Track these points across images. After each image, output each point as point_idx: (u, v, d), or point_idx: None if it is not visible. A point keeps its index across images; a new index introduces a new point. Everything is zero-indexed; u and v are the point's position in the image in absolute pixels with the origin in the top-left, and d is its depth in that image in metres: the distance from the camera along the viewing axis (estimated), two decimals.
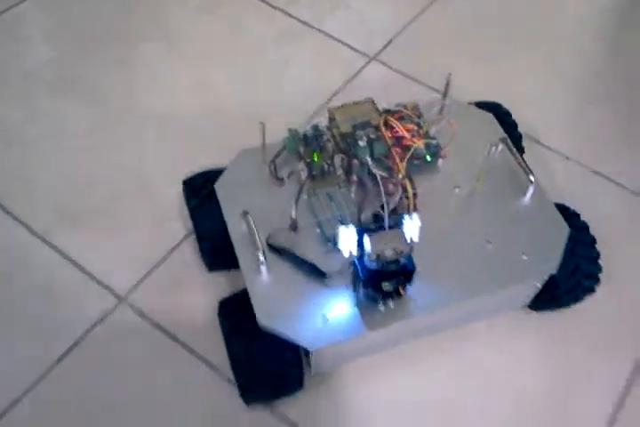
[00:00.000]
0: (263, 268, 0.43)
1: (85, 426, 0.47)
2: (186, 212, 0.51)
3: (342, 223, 0.41)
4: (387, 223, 0.39)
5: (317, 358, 0.44)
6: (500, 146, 0.49)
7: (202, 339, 0.49)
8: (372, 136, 0.44)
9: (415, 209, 0.43)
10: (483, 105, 0.53)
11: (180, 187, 0.51)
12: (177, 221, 0.55)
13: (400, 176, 0.44)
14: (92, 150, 0.60)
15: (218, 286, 0.52)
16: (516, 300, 0.49)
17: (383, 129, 0.45)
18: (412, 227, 0.39)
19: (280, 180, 0.46)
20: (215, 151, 0.53)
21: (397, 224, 0.39)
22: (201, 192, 0.48)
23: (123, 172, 0.58)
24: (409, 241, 0.39)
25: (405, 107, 0.48)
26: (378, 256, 0.38)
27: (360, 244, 0.39)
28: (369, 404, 0.48)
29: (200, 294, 0.51)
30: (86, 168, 0.59)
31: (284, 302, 0.43)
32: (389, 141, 0.44)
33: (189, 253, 0.53)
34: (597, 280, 0.48)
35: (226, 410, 0.47)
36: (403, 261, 0.39)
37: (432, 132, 0.48)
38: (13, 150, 0.60)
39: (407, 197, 0.43)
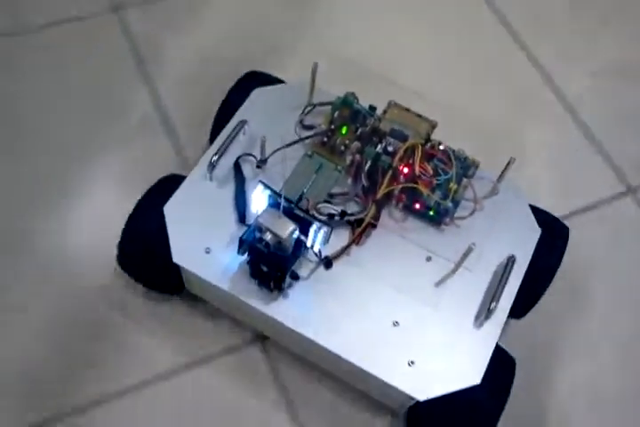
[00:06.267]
0: (210, 170, 0.43)
1: None
2: None
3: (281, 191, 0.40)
4: (283, 208, 0.37)
5: (185, 273, 0.44)
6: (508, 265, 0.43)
7: None
8: (390, 149, 0.41)
9: (359, 239, 0.41)
10: (541, 213, 0.47)
11: None
12: None
13: (378, 196, 0.41)
14: None
15: None
16: (387, 397, 0.44)
17: (403, 150, 0.41)
18: (314, 236, 0.38)
19: (301, 123, 0.45)
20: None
21: (305, 221, 0.37)
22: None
23: None
24: (298, 240, 0.37)
25: (466, 158, 0.44)
26: (260, 229, 0.37)
27: None
28: None
29: None
30: None
31: (196, 208, 0.43)
32: (396, 163, 0.41)
33: None
34: None
35: None
36: (277, 250, 0.37)
37: (460, 195, 0.43)
38: None
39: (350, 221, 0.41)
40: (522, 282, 0.43)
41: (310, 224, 0.37)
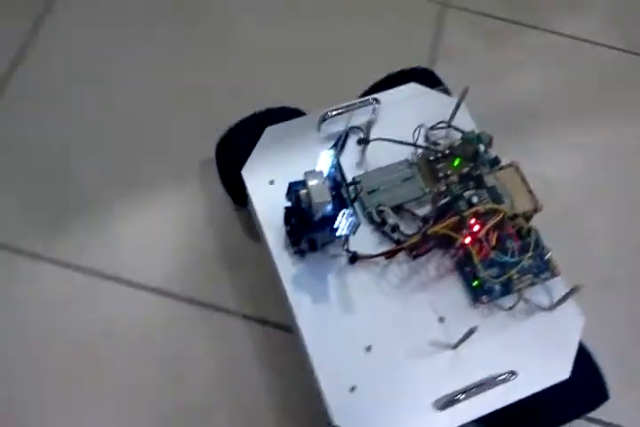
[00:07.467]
0: (320, 121, 0.44)
1: None
2: None
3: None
4: (332, 180, 0.37)
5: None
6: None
7: None
8: (474, 200, 0.38)
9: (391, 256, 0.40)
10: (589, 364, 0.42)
11: None
12: None
13: (427, 230, 0.39)
14: None
15: None
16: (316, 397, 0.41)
17: (484, 208, 0.38)
18: (341, 218, 0.36)
19: (425, 133, 0.44)
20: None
21: (343, 203, 0.37)
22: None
23: None
24: (332, 217, 0.36)
25: (549, 261, 0.40)
26: (303, 183, 0.36)
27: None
28: None
29: None
30: None
31: (291, 145, 0.44)
32: (467, 213, 0.38)
33: None
34: None
35: None
36: (306, 209, 0.37)
37: (514, 286, 0.39)
38: None
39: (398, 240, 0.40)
40: (520, 411, 0.39)
41: (345, 207, 0.37)
